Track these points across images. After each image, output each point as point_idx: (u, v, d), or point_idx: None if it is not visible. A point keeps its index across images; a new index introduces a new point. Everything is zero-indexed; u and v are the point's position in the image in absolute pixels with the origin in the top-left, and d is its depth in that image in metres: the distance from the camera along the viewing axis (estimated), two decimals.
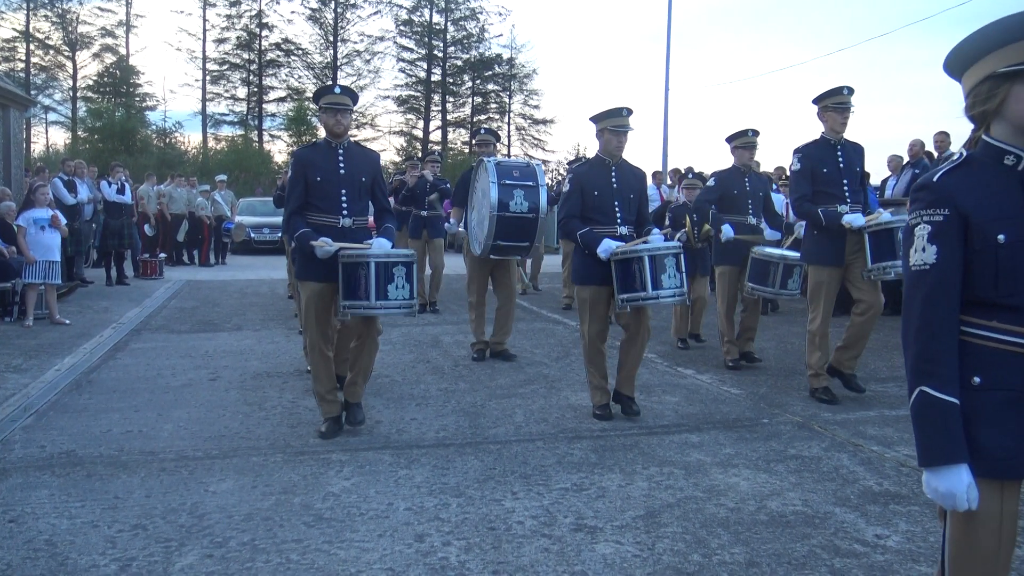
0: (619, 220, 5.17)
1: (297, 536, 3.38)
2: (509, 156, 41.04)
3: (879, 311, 5.64)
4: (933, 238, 1.82)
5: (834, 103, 5.58)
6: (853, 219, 5.42)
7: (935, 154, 11.00)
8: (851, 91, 5.58)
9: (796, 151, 5.75)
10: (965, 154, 1.88)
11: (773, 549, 3.28)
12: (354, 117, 5.08)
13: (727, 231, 6.68)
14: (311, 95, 37.86)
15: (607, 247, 4.99)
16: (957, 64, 1.89)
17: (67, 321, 8.85)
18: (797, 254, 6.48)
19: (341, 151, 4.81)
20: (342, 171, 4.77)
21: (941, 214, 1.81)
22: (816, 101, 5.68)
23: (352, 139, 5.00)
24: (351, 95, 4.89)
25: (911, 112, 50.79)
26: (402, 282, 4.56)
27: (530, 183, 6.64)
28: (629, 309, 5.06)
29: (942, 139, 10.84)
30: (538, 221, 6.61)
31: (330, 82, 33.30)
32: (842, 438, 4.82)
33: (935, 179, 1.85)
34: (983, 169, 1.84)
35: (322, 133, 5.01)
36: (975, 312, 1.82)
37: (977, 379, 1.81)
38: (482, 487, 3.97)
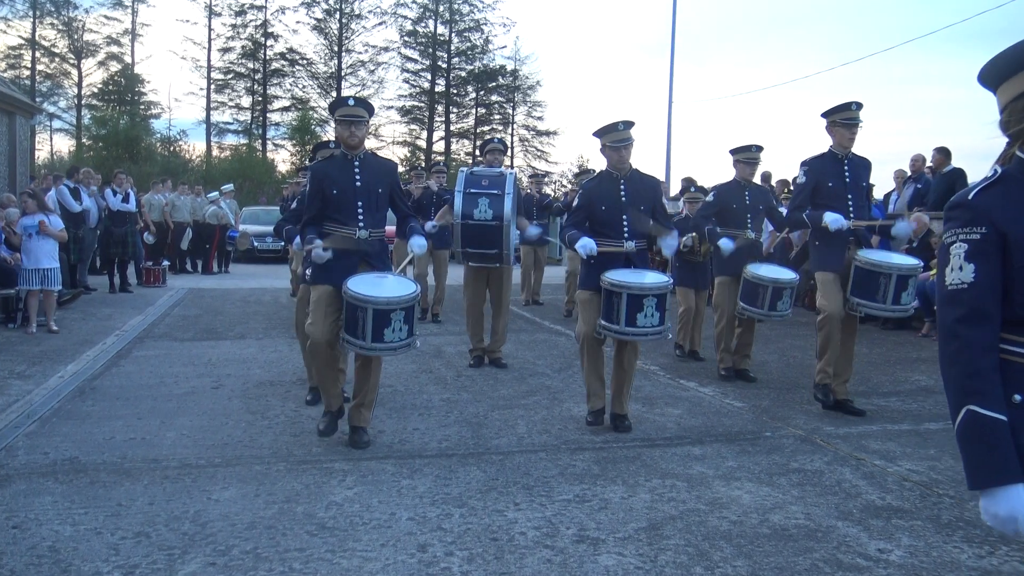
0: (626, 235, 5.19)
1: (300, 545, 3.39)
2: (512, 167, 41.29)
3: (855, 332, 5.77)
4: (971, 256, 1.78)
5: (842, 118, 5.61)
6: (831, 220, 5.45)
7: (935, 170, 11.01)
8: (859, 106, 5.60)
9: (803, 164, 5.79)
10: (1000, 171, 1.84)
11: (776, 562, 3.28)
12: None
13: (726, 245, 6.66)
14: (315, 104, 37.62)
15: (585, 245, 5.03)
16: (992, 77, 1.87)
17: (55, 328, 8.78)
18: (789, 276, 6.49)
19: (357, 163, 4.84)
20: (358, 183, 4.80)
21: (978, 232, 1.78)
22: (825, 115, 5.70)
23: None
24: (366, 107, 4.92)
25: (914, 126, 50.91)
26: (399, 324, 4.56)
27: (496, 192, 6.66)
28: (604, 336, 5.14)
29: (941, 159, 10.84)
30: (503, 229, 6.60)
31: (340, 94, 33.48)
32: (845, 452, 4.83)
33: (971, 197, 1.82)
34: (1019, 186, 1.80)
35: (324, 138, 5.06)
36: (1014, 330, 1.79)
37: (1019, 397, 1.76)
38: (484, 498, 3.97)
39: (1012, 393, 1.76)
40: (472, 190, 6.69)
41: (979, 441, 1.74)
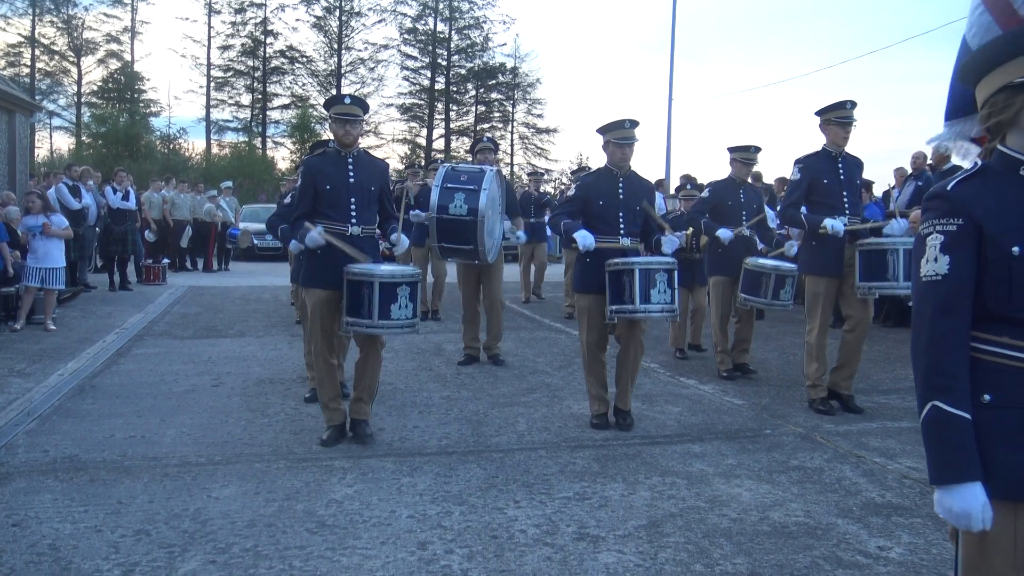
0: (622, 231, 5.19)
1: (300, 543, 3.39)
2: (512, 165, 41.29)
3: (867, 326, 5.70)
4: (946, 248, 1.77)
5: (837, 117, 5.60)
6: (831, 224, 5.43)
7: (936, 167, 10.99)
8: (854, 105, 5.60)
9: (797, 161, 5.78)
10: (980, 164, 1.83)
11: (775, 560, 3.28)
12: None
13: (724, 234, 6.67)
14: (314, 102, 37.70)
15: (584, 238, 5.03)
16: (971, 74, 1.87)
17: (53, 327, 8.79)
18: (790, 265, 6.49)
19: (351, 160, 4.84)
20: (351, 180, 4.80)
21: (955, 223, 1.77)
22: (819, 114, 5.70)
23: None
24: (361, 105, 4.92)
25: (913, 124, 50.93)
26: (405, 301, 4.57)
27: (472, 187, 6.62)
28: (616, 320, 5.10)
29: (941, 156, 10.81)
30: (477, 224, 6.55)
31: (340, 92, 33.45)
32: (844, 449, 4.82)
33: (949, 188, 1.80)
34: (998, 179, 1.79)
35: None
36: (985, 327, 1.77)
37: (987, 397, 1.75)
38: (484, 495, 3.97)
39: (981, 392, 1.75)
40: (449, 185, 6.66)
41: (942, 438, 1.74)
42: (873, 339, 8.77)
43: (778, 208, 8.99)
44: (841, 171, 5.63)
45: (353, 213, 4.79)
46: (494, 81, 43.04)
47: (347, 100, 4.87)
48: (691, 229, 7.41)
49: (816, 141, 5.85)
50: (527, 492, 4.03)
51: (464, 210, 6.57)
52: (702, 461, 4.57)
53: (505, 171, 25.58)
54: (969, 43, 2.79)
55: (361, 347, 4.84)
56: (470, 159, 8.16)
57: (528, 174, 15.45)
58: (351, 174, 4.80)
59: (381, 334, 4.73)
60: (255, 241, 19.69)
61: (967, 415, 1.73)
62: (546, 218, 11.98)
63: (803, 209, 5.72)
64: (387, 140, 42.38)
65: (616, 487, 4.12)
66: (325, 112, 5.03)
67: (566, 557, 3.28)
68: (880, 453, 4.75)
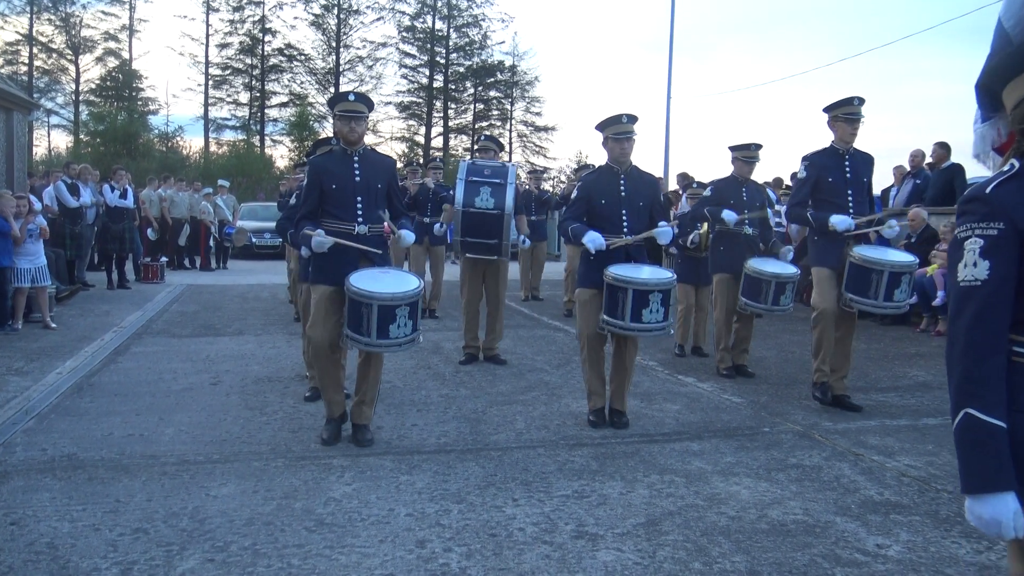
0: (625, 230, 5.18)
1: (298, 541, 3.38)
2: (511, 162, 41.24)
3: (853, 328, 5.76)
4: (986, 253, 1.72)
5: (844, 113, 5.59)
6: (839, 221, 5.45)
7: (935, 165, 10.99)
8: (861, 102, 5.60)
9: (804, 158, 5.78)
10: (1017, 165, 1.78)
11: (774, 558, 3.28)
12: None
13: (729, 216, 6.67)
14: (313, 100, 37.43)
15: (594, 240, 5.02)
16: (1002, 73, 1.82)
17: (53, 325, 8.78)
18: (791, 271, 6.49)
19: (356, 158, 4.82)
20: (357, 178, 4.78)
21: (995, 227, 1.72)
22: (827, 110, 5.69)
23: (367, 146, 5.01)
24: (366, 102, 4.90)
25: (912, 122, 50.89)
26: (404, 320, 4.55)
27: (498, 181, 6.63)
28: (606, 330, 5.13)
29: (941, 153, 10.82)
30: (503, 219, 6.56)
31: (338, 89, 33.40)
32: (843, 447, 4.83)
33: (988, 191, 1.75)
34: None
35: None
36: None
37: None
38: (483, 493, 3.97)
39: (1021, 397, 1.71)
40: (474, 178, 6.67)
41: (975, 446, 1.71)
42: (872, 337, 8.78)
43: (777, 207, 8.99)
44: (848, 168, 5.63)
45: (359, 212, 4.77)
46: (492, 79, 43.00)
47: (351, 97, 4.84)
48: (705, 226, 7.36)
49: (817, 138, 5.88)
50: (525, 490, 4.03)
51: (491, 204, 6.62)
52: (701, 459, 4.58)
53: None
54: (1012, 37, 2.72)
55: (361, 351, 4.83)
56: (468, 158, 8.16)
57: (528, 172, 15.44)
58: (356, 172, 4.78)
59: (379, 352, 4.72)
60: (252, 239, 19.66)
61: (1001, 423, 1.69)
62: (546, 216, 12.00)
63: (809, 208, 5.73)
64: (385, 138, 42.36)
65: (615, 485, 4.12)
66: (324, 110, 5.04)
67: (565, 555, 3.28)
68: (878, 451, 4.75)
